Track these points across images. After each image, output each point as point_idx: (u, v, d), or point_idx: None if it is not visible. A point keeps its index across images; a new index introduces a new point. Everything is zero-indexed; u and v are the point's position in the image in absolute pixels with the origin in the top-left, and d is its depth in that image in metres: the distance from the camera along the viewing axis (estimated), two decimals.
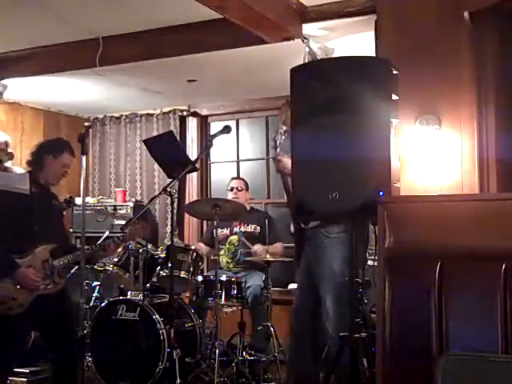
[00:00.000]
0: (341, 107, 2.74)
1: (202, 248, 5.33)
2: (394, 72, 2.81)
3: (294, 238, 3.60)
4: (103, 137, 7.15)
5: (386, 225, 2.47)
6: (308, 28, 4.36)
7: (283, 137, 3.34)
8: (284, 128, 3.32)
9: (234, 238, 5.45)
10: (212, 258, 4.64)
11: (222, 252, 5.37)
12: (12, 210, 3.54)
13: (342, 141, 2.73)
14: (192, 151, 6.66)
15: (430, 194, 3.37)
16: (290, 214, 3.33)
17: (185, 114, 6.63)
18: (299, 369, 3.54)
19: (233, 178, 5.73)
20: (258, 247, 5.15)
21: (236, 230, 5.46)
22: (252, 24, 4.15)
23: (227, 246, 5.43)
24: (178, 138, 6.28)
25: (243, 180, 5.73)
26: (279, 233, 5.47)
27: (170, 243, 4.20)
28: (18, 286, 3.47)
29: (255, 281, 5.05)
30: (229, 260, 5.41)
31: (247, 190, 5.61)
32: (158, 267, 4.62)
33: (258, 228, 5.43)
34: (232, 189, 5.52)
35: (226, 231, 5.46)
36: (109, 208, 6.05)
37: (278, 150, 3.39)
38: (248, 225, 5.46)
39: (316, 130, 2.79)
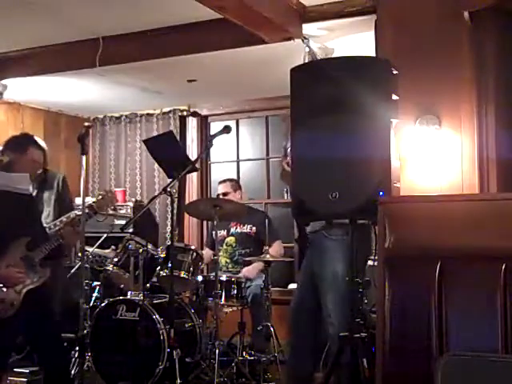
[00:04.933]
0: (341, 107, 2.74)
1: (208, 254, 5.32)
2: (394, 72, 2.81)
3: (297, 243, 3.61)
4: (103, 137, 7.15)
5: (386, 225, 2.47)
6: (308, 28, 4.36)
7: None
8: None
9: (231, 238, 5.45)
10: (212, 258, 4.63)
11: (220, 253, 5.36)
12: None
13: (342, 141, 2.73)
14: (192, 151, 6.66)
15: (429, 194, 3.37)
16: (291, 215, 3.33)
17: (185, 113, 6.64)
18: (298, 369, 3.54)
19: (219, 182, 5.64)
20: (245, 270, 5.14)
21: (233, 230, 5.46)
22: (252, 24, 4.15)
23: (225, 246, 5.43)
24: (178, 138, 6.28)
25: (230, 181, 5.64)
26: (278, 231, 5.45)
27: (170, 243, 4.20)
28: (5, 289, 3.40)
29: (255, 281, 5.05)
30: (227, 260, 5.41)
31: (237, 190, 5.53)
32: (158, 267, 4.62)
33: (254, 228, 5.41)
34: (218, 196, 5.49)
35: (223, 232, 5.45)
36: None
37: (288, 158, 3.40)
38: (244, 225, 5.45)
39: (316, 130, 2.79)
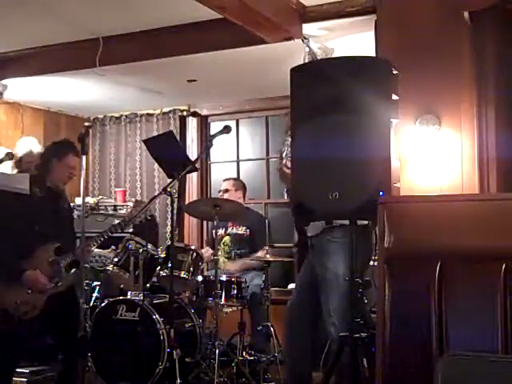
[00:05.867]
0: (341, 107, 2.74)
1: (208, 252, 5.31)
2: (394, 72, 2.81)
3: (296, 247, 3.60)
4: (103, 137, 7.15)
5: (386, 225, 2.47)
6: (308, 28, 4.36)
7: (289, 149, 3.34)
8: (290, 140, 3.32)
9: (228, 238, 5.44)
10: (212, 258, 4.63)
11: (219, 252, 5.36)
12: (14, 211, 3.52)
13: (342, 141, 2.73)
14: (192, 151, 6.66)
15: (429, 194, 3.37)
16: (291, 217, 3.33)
17: (185, 114, 6.64)
18: (296, 368, 3.54)
19: (224, 180, 5.65)
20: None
21: (229, 230, 5.46)
22: (252, 24, 4.15)
23: (222, 246, 5.43)
24: (178, 138, 6.27)
25: (234, 180, 5.67)
26: (266, 236, 5.13)
27: (170, 243, 4.20)
28: (30, 291, 3.46)
29: (254, 280, 5.04)
30: (225, 260, 5.41)
31: (238, 189, 5.51)
32: (158, 267, 4.62)
33: (248, 231, 5.40)
34: (219, 191, 5.50)
35: (221, 231, 5.45)
36: (109, 208, 6.04)
37: (285, 161, 3.40)
38: (239, 226, 5.44)
39: (316, 130, 2.79)
